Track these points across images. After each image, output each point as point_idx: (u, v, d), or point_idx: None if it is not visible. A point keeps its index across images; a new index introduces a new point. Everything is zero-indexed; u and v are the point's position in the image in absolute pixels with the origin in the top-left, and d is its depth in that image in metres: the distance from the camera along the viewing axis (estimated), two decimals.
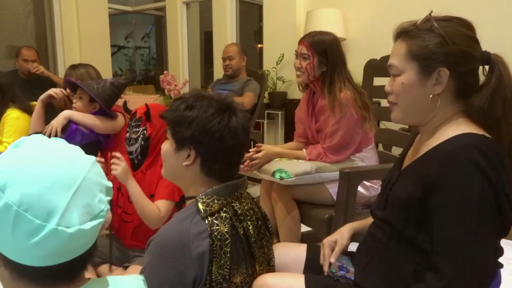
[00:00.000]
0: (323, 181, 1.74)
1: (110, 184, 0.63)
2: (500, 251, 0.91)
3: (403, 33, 0.94)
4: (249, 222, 1.02)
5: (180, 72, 4.95)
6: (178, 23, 4.90)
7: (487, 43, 0.99)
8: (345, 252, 1.17)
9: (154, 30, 7.10)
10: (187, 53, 5.06)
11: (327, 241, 1.17)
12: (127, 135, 1.61)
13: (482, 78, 0.93)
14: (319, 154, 1.76)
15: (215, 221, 0.93)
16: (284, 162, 1.77)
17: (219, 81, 3.30)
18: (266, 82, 3.67)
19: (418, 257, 0.91)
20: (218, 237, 0.92)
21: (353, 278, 1.08)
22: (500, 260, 0.92)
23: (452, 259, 0.83)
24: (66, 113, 1.80)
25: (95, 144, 1.85)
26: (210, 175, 1.02)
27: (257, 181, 3.57)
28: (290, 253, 1.23)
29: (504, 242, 0.90)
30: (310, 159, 1.77)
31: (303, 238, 1.84)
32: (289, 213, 1.76)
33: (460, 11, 0.95)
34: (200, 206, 0.95)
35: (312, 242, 2.05)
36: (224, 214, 0.96)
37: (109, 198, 0.62)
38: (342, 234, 1.18)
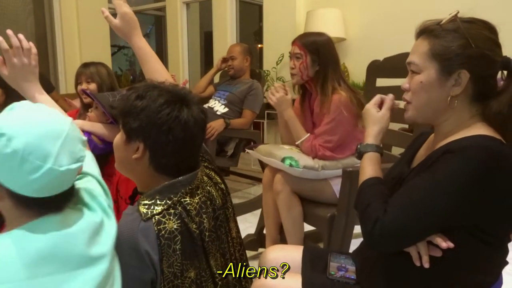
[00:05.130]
0: (327, 177, 1.75)
1: (85, 138, 0.84)
2: (505, 251, 0.91)
3: (426, 31, 0.93)
4: (204, 216, 0.97)
5: (180, 72, 4.95)
6: (178, 23, 4.89)
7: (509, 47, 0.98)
8: (343, 252, 1.18)
9: (154, 30, 7.09)
10: (187, 53, 5.05)
11: None
12: None
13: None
14: (312, 148, 1.75)
15: (162, 218, 0.90)
16: (294, 152, 1.78)
17: (224, 81, 3.27)
18: (265, 82, 3.66)
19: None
20: (166, 235, 0.89)
21: (354, 277, 1.07)
22: None
23: (398, 202, 0.86)
24: (76, 124, 1.83)
25: (110, 155, 1.84)
26: (158, 170, 0.98)
27: (257, 180, 3.58)
28: (287, 255, 1.23)
29: None
30: (303, 149, 1.77)
31: (305, 237, 1.84)
32: (292, 206, 1.76)
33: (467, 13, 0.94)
34: (141, 209, 0.91)
35: (315, 241, 2.06)
36: (173, 211, 0.92)
37: (84, 148, 0.81)
38: None
